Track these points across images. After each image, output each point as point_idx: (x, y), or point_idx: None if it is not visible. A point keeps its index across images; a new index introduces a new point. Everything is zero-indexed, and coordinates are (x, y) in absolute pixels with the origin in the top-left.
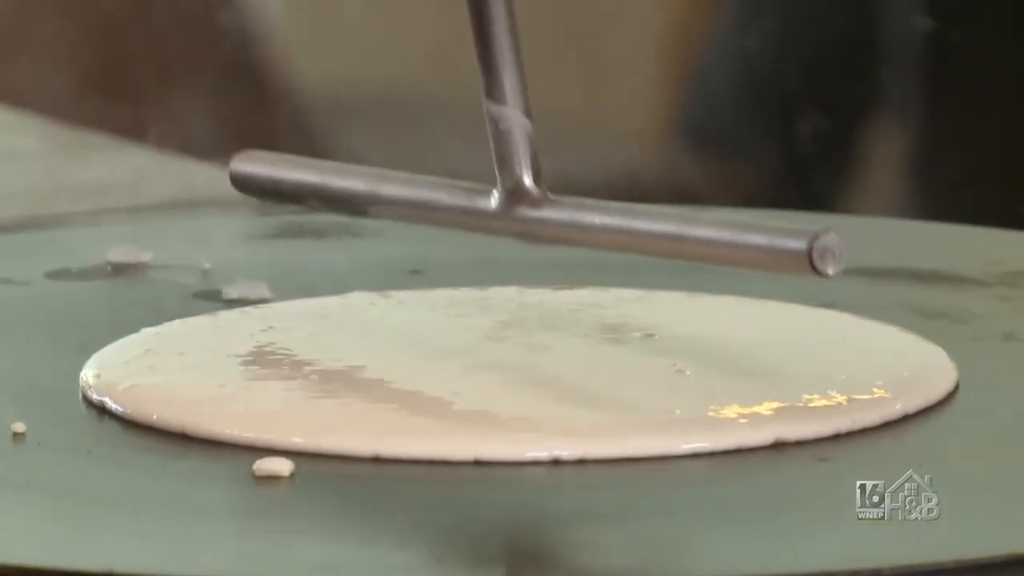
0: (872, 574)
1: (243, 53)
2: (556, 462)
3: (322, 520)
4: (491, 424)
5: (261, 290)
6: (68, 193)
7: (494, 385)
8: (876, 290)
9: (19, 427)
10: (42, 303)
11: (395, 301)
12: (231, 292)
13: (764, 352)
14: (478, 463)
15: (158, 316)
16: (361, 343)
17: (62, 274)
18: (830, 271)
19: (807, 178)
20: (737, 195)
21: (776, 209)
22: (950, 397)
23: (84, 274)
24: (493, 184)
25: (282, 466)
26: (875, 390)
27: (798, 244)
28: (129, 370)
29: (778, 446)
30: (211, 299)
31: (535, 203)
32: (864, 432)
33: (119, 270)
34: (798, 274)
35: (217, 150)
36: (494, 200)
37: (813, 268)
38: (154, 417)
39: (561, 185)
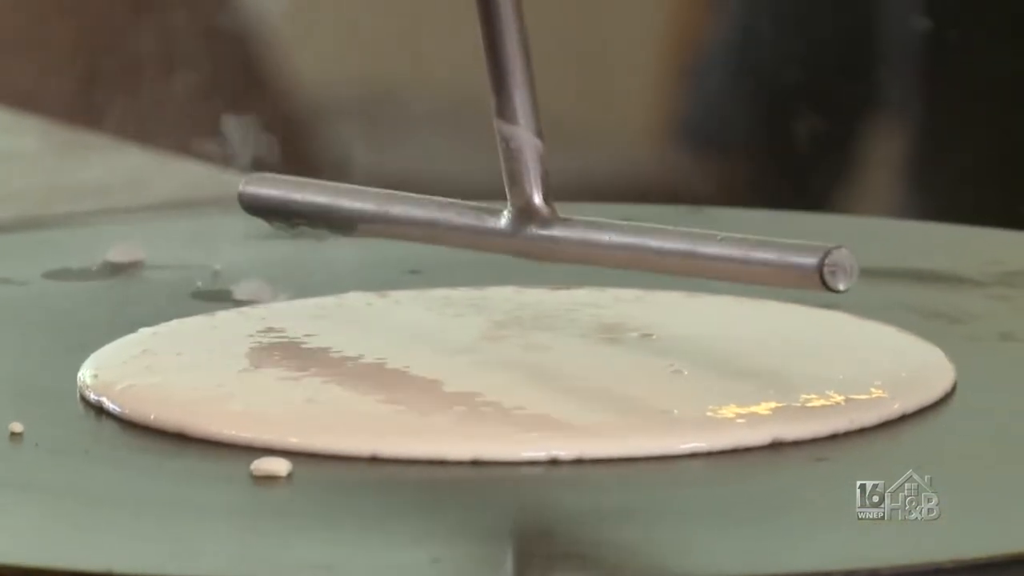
0: (870, 574)
1: (242, 52)
2: (554, 462)
3: (320, 520)
4: (489, 424)
5: (269, 293)
6: (66, 193)
7: (492, 385)
8: (874, 290)
9: (17, 427)
10: (40, 303)
11: (393, 301)
12: (239, 293)
13: (762, 352)
14: (476, 463)
15: (156, 316)
16: (358, 343)
17: (60, 274)
18: (841, 287)
19: (805, 178)
20: (736, 195)
21: (774, 209)
22: (948, 397)
23: (82, 274)
24: (501, 195)
25: (280, 466)
26: (873, 390)
27: (809, 261)
28: (127, 370)
29: (776, 446)
30: (209, 299)
31: (545, 222)
32: (862, 432)
33: (117, 270)
34: (809, 290)
35: (215, 150)
36: (504, 219)
37: (824, 284)
38: (152, 417)
39: (561, 186)
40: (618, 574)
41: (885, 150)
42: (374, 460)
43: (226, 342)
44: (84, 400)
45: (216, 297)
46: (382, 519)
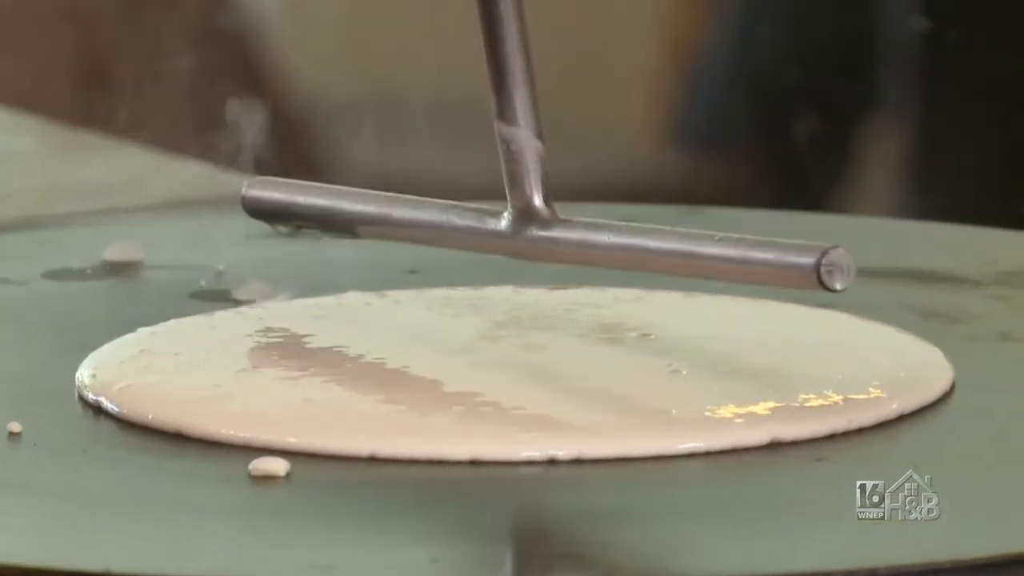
0: (868, 574)
1: (242, 53)
2: (552, 462)
3: (318, 520)
4: (487, 424)
5: (271, 293)
6: (65, 193)
7: (490, 385)
8: (873, 290)
9: (15, 427)
10: (39, 303)
11: (391, 301)
12: (241, 294)
13: (760, 352)
14: (474, 463)
15: (154, 316)
16: (357, 343)
17: (59, 274)
18: (838, 286)
19: (805, 178)
20: (735, 195)
21: (774, 209)
22: (946, 397)
23: (81, 274)
24: (502, 196)
25: (278, 466)
26: (871, 390)
27: (806, 260)
28: (125, 370)
29: (774, 446)
30: (208, 299)
31: (545, 223)
32: (860, 432)
33: (116, 270)
34: (807, 289)
35: (214, 151)
36: (504, 221)
37: (821, 284)
38: (150, 417)
39: (561, 186)
40: (616, 574)
41: (884, 150)
42: (373, 460)
43: (224, 342)
44: (82, 400)
45: (215, 297)
46: (381, 519)
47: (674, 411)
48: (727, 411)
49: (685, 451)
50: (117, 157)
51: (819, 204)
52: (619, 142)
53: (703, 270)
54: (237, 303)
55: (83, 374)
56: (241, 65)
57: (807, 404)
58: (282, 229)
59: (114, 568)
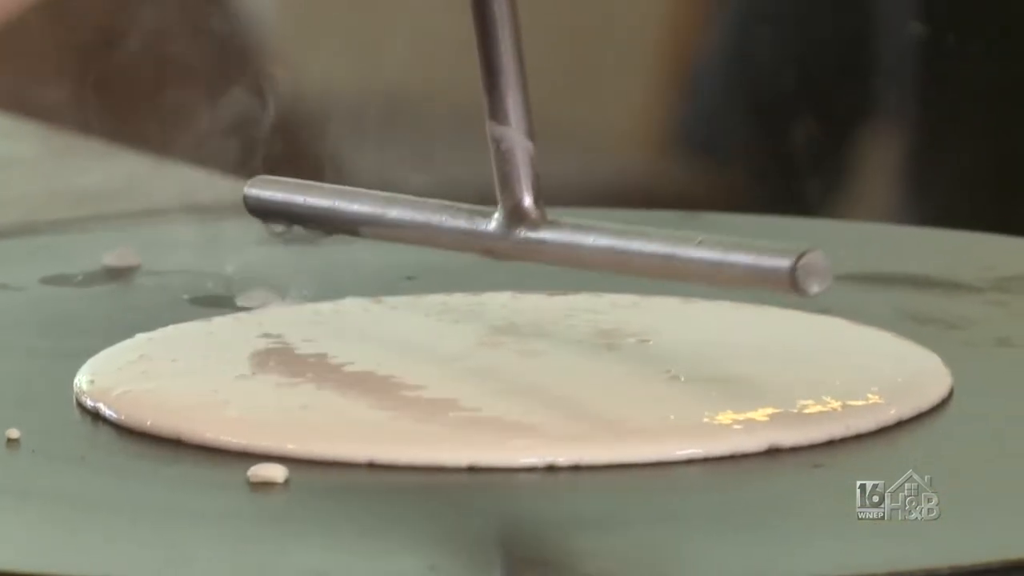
0: None
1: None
2: (551, 468)
3: (316, 527)
4: (486, 430)
5: (272, 298)
6: (64, 199)
7: (488, 391)
8: (870, 295)
9: (13, 433)
10: (37, 308)
11: (389, 307)
12: (244, 301)
13: (758, 358)
14: (473, 469)
15: (152, 322)
16: (355, 349)
17: (57, 279)
18: (814, 290)
19: (802, 184)
20: (733, 200)
21: (771, 215)
22: (945, 403)
23: (79, 280)
24: (494, 201)
25: (276, 472)
26: (870, 396)
27: (782, 263)
28: (122, 376)
29: (773, 452)
30: (205, 304)
31: (534, 224)
32: (859, 438)
33: (114, 275)
34: (783, 293)
35: (213, 156)
36: (494, 221)
37: (797, 287)
38: (148, 423)
39: (560, 192)
40: None
41: (882, 155)
42: (371, 466)
43: (222, 348)
44: (80, 406)
45: (213, 303)
46: (379, 526)
47: (672, 417)
48: (725, 417)
49: (683, 457)
50: (115, 162)
51: (817, 209)
52: (618, 147)
53: (684, 273)
54: (235, 309)
55: (81, 380)
56: (243, 70)
57: (805, 410)
58: (276, 228)
59: (112, 574)
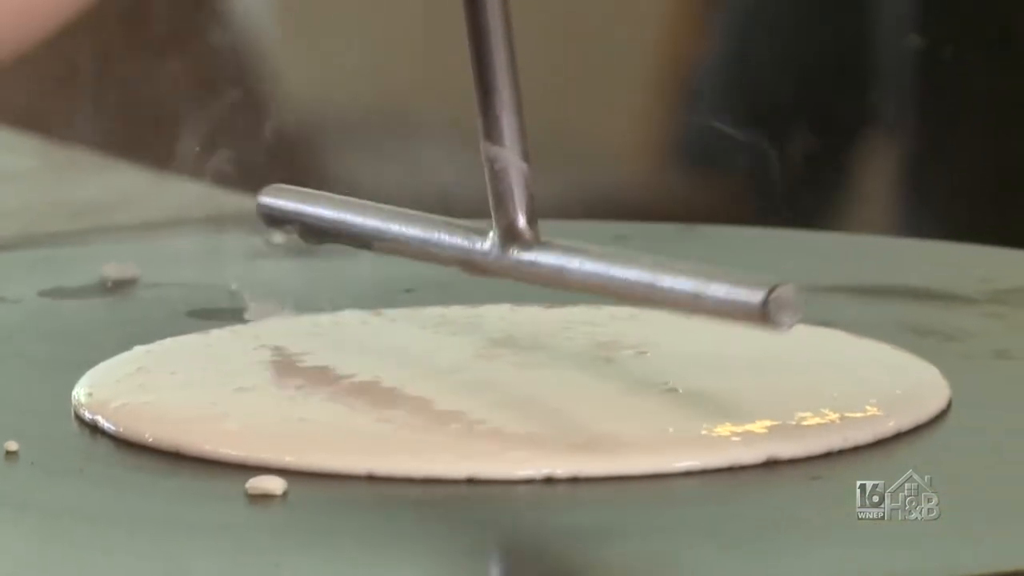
0: None
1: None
2: (549, 480)
3: (315, 539)
4: (484, 442)
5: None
6: (62, 211)
7: (487, 403)
8: (868, 307)
9: (12, 445)
10: (35, 321)
11: (387, 319)
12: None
13: (756, 370)
14: (471, 481)
15: (150, 334)
16: (354, 361)
17: (55, 292)
18: (785, 324)
19: (800, 196)
20: (730, 213)
21: (769, 227)
22: (943, 415)
23: (77, 292)
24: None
25: (275, 485)
26: (868, 408)
27: (754, 297)
28: (121, 388)
29: (770, 464)
30: (204, 317)
31: (526, 245)
32: (857, 450)
33: (112, 288)
34: (755, 326)
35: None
36: (488, 240)
37: (768, 321)
38: (146, 436)
39: (558, 205)
40: None
41: (880, 167)
42: (370, 478)
43: (220, 360)
44: (79, 418)
45: (211, 315)
46: (378, 538)
47: (670, 429)
48: (723, 429)
49: (681, 469)
50: (113, 176)
51: (815, 221)
52: (616, 159)
53: (661, 302)
54: (234, 321)
55: (79, 392)
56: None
57: (803, 422)
58: (276, 239)
59: None
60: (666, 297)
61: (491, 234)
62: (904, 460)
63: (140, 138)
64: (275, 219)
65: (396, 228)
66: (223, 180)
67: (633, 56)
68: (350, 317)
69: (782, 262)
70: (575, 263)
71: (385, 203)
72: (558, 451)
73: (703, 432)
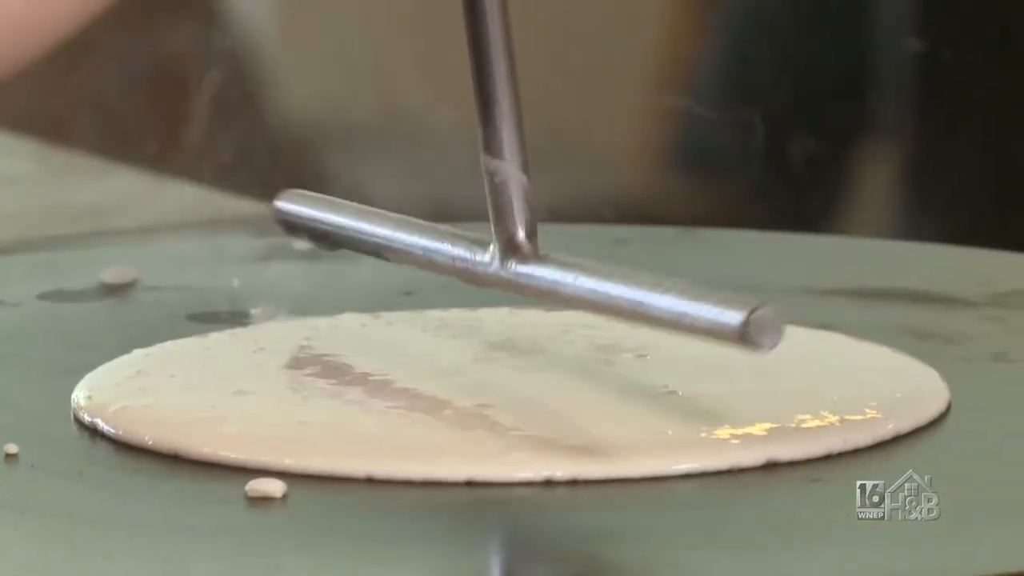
0: None
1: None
2: (548, 483)
3: (314, 541)
4: (483, 445)
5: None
6: (61, 215)
7: (486, 406)
8: (868, 311)
9: (11, 448)
10: (35, 324)
11: (386, 322)
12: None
13: (756, 372)
14: (471, 484)
15: (149, 337)
16: (352, 364)
17: (54, 296)
18: (765, 346)
19: (800, 199)
20: (731, 216)
21: (770, 231)
22: (942, 417)
23: (76, 296)
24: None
25: (274, 487)
26: (867, 410)
27: (733, 319)
28: (120, 391)
29: (770, 467)
30: (203, 320)
31: (524, 259)
32: (856, 452)
33: (111, 291)
34: (736, 347)
35: (211, 173)
36: (489, 253)
37: (748, 342)
38: (146, 439)
39: (558, 209)
40: None
41: (879, 171)
42: (369, 481)
43: (219, 363)
44: (78, 421)
45: (211, 319)
46: (377, 540)
47: (670, 432)
48: (723, 432)
49: (681, 472)
50: (112, 179)
51: (815, 225)
52: (615, 162)
53: (648, 320)
54: (233, 325)
55: (79, 396)
56: (240, 86)
57: (803, 425)
58: (300, 244)
59: None
60: (651, 316)
61: (492, 247)
62: (903, 462)
63: (140, 141)
64: (290, 225)
65: (403, 238)
66: (222, 183)
67: (633, 58)
68: (349, 320)
69: (781, 265)
70: (569, 278)
71: (384, 205)
72: (557, 453)
73: (703, 435)
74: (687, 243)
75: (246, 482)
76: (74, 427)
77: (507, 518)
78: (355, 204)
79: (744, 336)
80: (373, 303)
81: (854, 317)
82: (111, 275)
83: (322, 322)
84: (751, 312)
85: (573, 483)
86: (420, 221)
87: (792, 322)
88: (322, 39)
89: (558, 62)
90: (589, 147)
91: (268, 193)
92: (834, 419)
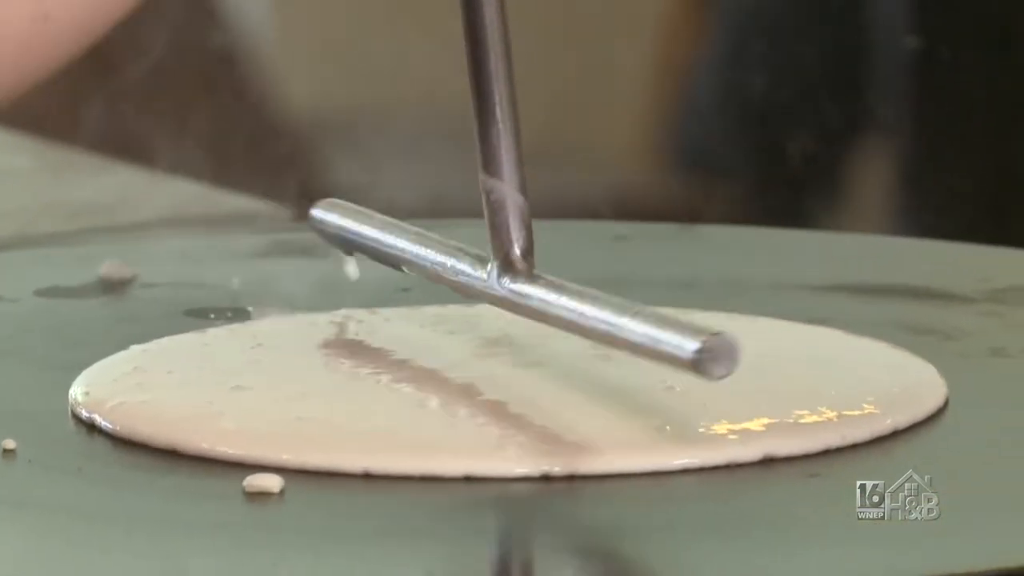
0: None
1: (235, 74)
2: (546, 478)
3: (312, 537)
4: (481, 440)
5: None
6: (58, 211)
7: (484, 401)
8: (866, 307)
9: (9, 444)
10: (32, 320)
11: (384, 318)
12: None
13: (754, 368)
14: (468, 479)
15: (147, 333)
16: (349, 360)
17: (51, 291)
18: (718, 375)
19: (798, 196)
20: (729, 213)
21: (767, 227)
22: (940, 413)
23: (73, 292)
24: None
25: (272, 482)
26: (865, 406)
27: (687, 347)
28: (118, 387)
29: (768, 462)
30: (200, 316)
31: (517, 277)
32: (854, 447)
33: (108, 287)
34: (690, 374)
35: (207, 169)
36: (487, 270)
37: (700, 370)
38: (143, 434)
39: (559, 205)
40: None
41: (877, 168)
42: (367, 476)
43: (217, 359)
44: (76, 417)
45: (208, 314)
46: (375, 535)
47: (668, 427)
48: (721, 427)
49: (679, 467)
50: (109, 175)
51: (813, 221)
52: (615, 160)
53: (615, 344)
54: (229, 320)
55: (76, 392)
56: (232, 85)
57: (801, 420)
58: (351, 270)
59: None
60: (616, 339)
61: (490, 263)
62: (901, 458)
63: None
64: (321, 233)
65: (417, 251)
66: (220, 179)
67: (632, 56)
68: (347, 316)
69: (780, 261)
70: (553, 298)
71: (383, 202)
72: (555, 449)
73: (701, 430)
74: (686, 240)
75: (244, 477)
76: (71, 423)
77: (505, 514)
78: (380, 216)
79: (696, 364)
80: (370, 299)
81: (852, 313)
82: (109, 271)
83: (319, 318)
84: (704, 342)
85: (571, 479)
86: (432, 235)
87: (790, 317)
88: (321, 33)
89: (558, 60)
90: (589, 144)
91: (266, 190)
92: (832, 415)
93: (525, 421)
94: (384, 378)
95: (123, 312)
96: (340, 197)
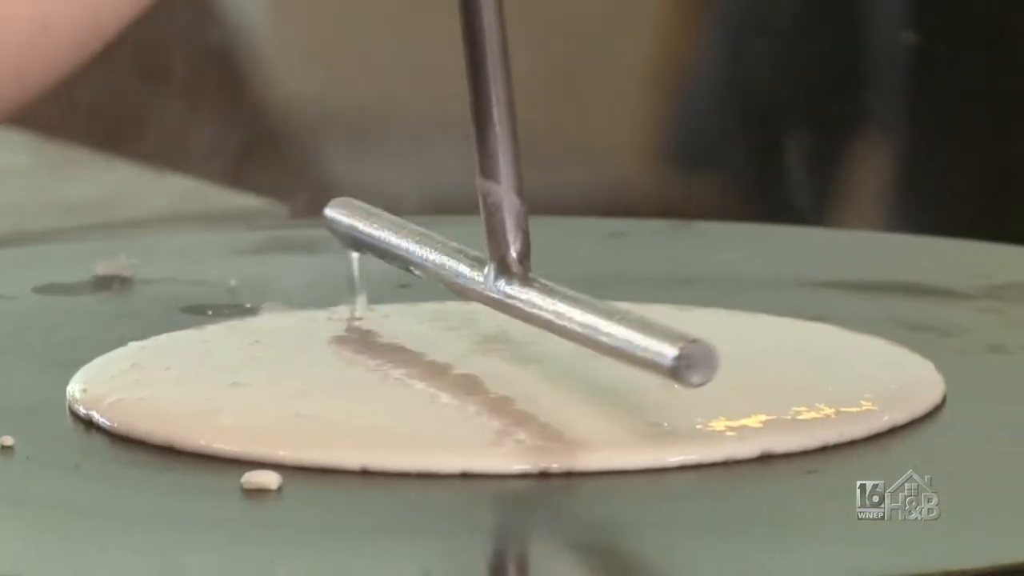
0: None
1: (229, 69)
2: (544, 475)
3: (310, 533)
4: (479, 437)
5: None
6: (56, 208)
7: (481, 398)
8: (864, 303)
9: (7, 441)
10: (30, 317)
11: (382, 315)
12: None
13: (752, 365)
14: (466, 476)
15: (144, 330)
16: (347, 357)
17: (49, 289)
18: (695, 381)
19: (796, 193)
20: (727, 209)
21: (765, 223)
22: (938, 409)
23: (71, 289)
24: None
25: (270, 479)
26: (863, 402)
27: (666, 353)
28: (116, 384)
29: (766, 458)
30: (198, 313)
31: (512, 280)
32: (852, 444)
33: (106, 284)
34: (671, 381)
35: (204, 166)
36: (485, 271)
37: (678, 377)
38: (141, 431)
39: (557, 202)
40: None
41: (874, 164)
42: (364, 473)
43: (215, 356)
44: (74, 414)
45: (205, 311)
46: (372, 532)
47: (666, 424)
48: (719, 424)
49: (677, 464)
50: (107, 172)
51: (811, 218)
52: (613, 156)
53: (599, 349)
54: (228, 317)
55: (74, 388)
56: (227, 81)
57: (799, 417)
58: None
59: None
60: (601, 345)
61: (488, 266)
62: (899, 455)
63: (133, 135)
64: (332, 231)
65: (421, 252)
66: (217, 176)
67: (630, 53)
68: (344, 313)
69: (778, 258)
70: (542, 303)
71: (380, 199)
72: (553, 446)
73: (699, 427)
74: (684, 236)
75: (242, 474)
76: (70, 420)
77: (502, 511)
78: (389, 216)
79: (674, 371)
80: (369, 295)
81: (850, 309)
82: (106, 268)
83: (318, 315)
84: (682, 349)
85: (568, 475)
86: (436, 236)
87: (788, 314)
88: (316, 30)
89: (556, 56)
90: (588, 141)
91: (263, 187)
92: (830, 411)
93: (522, 418)
94: (382, 375)
95: (121, 309)
96: (340, 196)
